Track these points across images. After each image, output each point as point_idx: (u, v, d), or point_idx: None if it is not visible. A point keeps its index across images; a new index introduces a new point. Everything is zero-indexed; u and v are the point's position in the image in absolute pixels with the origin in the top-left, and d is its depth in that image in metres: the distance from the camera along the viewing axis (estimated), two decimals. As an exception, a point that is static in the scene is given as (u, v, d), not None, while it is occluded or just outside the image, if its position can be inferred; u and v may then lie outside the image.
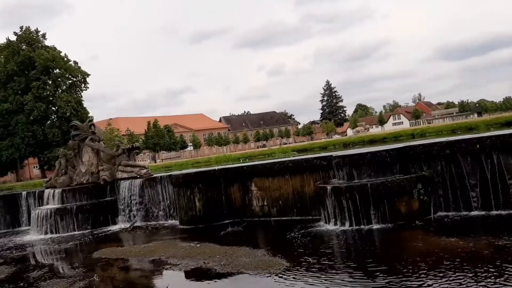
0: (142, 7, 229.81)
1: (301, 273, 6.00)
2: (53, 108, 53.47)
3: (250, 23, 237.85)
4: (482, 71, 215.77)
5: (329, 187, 8.75)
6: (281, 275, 5.98)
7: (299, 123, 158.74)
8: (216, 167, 12.13)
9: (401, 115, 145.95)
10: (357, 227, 8.27)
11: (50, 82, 52.70)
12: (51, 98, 53.09)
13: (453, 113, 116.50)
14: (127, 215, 13.99)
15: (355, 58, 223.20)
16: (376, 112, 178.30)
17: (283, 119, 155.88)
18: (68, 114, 51.62)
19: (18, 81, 52.10)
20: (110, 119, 78.94)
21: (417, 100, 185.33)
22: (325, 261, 6.48)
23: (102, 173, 14.85)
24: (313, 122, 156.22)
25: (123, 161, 14.59)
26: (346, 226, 8.44)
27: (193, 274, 6.77)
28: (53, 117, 54.02)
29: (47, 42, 55.64)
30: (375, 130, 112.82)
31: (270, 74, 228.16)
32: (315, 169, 10.22)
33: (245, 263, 6.80)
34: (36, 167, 72.86)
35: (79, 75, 54.80)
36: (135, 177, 14.12)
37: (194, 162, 28.61)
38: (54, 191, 14.95)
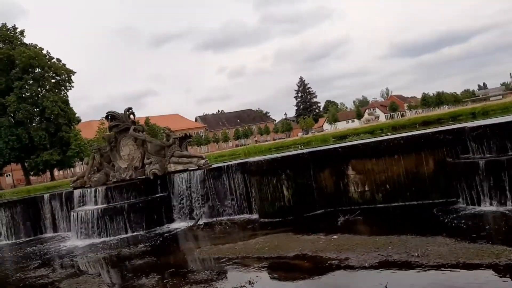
0: (100, 9, 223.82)
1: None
2: (36, 109, 50.30)
3: (211, 26, 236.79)
4: (435, 67, 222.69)
5: (481, 162, 7.54)
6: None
7: (275, 120, 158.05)
8: (304, 150, 10.75)
9: (377, 109, 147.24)
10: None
11: (33, 81, 49.50)
12: (35, 99, 49.96)
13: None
14: (186, 212, 12.45)
15: (315, 57, 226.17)
16: (346, 108, 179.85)
17: (259, 116, 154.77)
18: (55, 115, 48.66)
19: (-2, 82, 48.80)
20: (89, 121, 76.10)
21: (385, 95, 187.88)
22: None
23: (150, 167, 13.22)
24: (286, 119, 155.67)
25: (176, 151, 12.99)
26: (508, 206, 7.25)
27: (398, 268, 5.40)
28: (38, 118, 50.78)
29: (26, 40, 52.45)
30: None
31: (232, 75, 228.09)
32: (437, 145, 8.97)
33: (446, 253, 5.50)
34: (8, 175, 69.30)
35: (64, 73, 51.87)
36: (194, 169, 12.58)
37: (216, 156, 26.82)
38: (95, 189, 13.22)
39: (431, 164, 9.05)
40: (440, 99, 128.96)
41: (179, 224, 12.25)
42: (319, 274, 5.75)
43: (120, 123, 14.05)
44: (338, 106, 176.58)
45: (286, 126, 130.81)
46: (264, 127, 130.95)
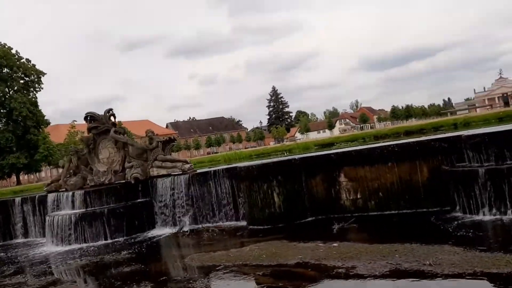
0: (69, 12, 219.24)
1: None
2: (3, 110, 48.36)
3: (183, 33, 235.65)
4: (402, 81, 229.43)
5: (481, 170, 7.49)
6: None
7: (247, 129, 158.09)
8: (296, 156, 10.52)
9: (347, 120, 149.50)
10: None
11: (0, 81, 47.58)
12: (2, 99, 48.02)
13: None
14: (169, 218, 12.01)
15: (286, 68, 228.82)
16: (317, 119, 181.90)
17: (232, 124, 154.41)
18: (23, 117, 46.86)
19: (-39, 81, 46.69)
20: (56, 125, 73.99)
21: (355, 107, 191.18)
22: None
23: (132, 171, 12.72)
24: (257, 128, 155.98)
25: (159, 155, 12.55)
26: (509, 215, 7.21)
27: (412, 277, 5.20)
28: (4, 120, 48.78)
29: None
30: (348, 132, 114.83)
31: (203, 83, 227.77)
32: (432, 153, 8.91)
33: (459, 262, 5.36)
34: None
35: (33, 74, 50.13)
36: (178, 174, 12.17)
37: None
38: (72, 193, 12.61)
39: (426, 172, 8.98)
40: (409, 112, 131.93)
41: (162, 231, 11.80)
42: (328, 283, 5.51)
43: (99, 125, 13.50)
44: (309, 117, 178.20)
45: (258, 134, 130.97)
46: (236, 135, 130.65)
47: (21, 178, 57.68)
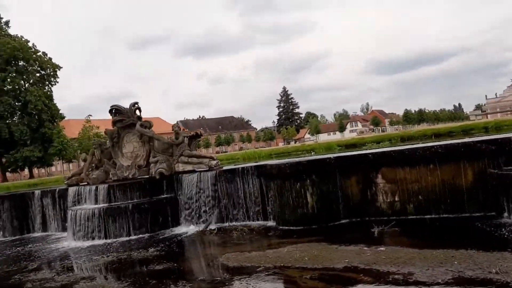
0: (81, 9, 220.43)
1: None
2: (18, 103, 48.41)
3: (194, 31, 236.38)
4: (411, 85, 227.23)
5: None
6: None
7: (256, 129, 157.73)
8: (331, 155, 10.15)
9: (358, 123, 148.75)
10: None
11: (16, 74, 47.62)
12: (18, 92, 48.08)
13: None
14: (195, 215, 11.70)
15: (294, 69, 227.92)
16: (326, 120, 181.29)
17: (241, 124, 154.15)
18: (38, 110, 46.87)
19: (-22, 73, 46.75)
20: (67, 120, 74.04)
21: (365, 110, 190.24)
22: None
23: (156, 166, 12.43)
24: (265, 128, 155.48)
25: (185, 151, 12.25)
26: None
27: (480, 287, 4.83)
28: (19, 113, 48.83)
29: (11, 31, 50.66)
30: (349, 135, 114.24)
31: (212, 82, 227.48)
32: (477, 156, 8.50)
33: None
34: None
35: (50, 68, 50.17)
36: (204, 170, 11.86)
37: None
38: (96, 187, 12.35)
39: (470, 175, 8.57)
40: (421, 116, 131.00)
41: (187, 228, 11.50)
42: (387, 290, 5.15)
43: (125, 118, 13.24)
44: (319, 118, 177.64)
45: (268, 135, 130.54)
46: (246, 135, 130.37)
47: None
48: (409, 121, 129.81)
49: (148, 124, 12.98)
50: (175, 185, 12.23)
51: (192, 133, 12.54)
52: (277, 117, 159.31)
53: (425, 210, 9.01)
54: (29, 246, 12.23)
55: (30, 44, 49.37)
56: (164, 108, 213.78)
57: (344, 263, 6.25)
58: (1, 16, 50.22)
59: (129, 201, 11.79)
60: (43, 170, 68.02)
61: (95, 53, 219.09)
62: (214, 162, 11.94)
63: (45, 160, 50.46)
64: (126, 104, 13.54)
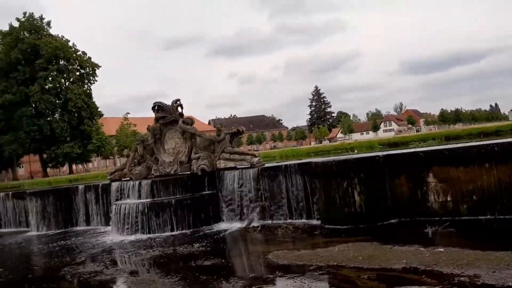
0: (115, 11, 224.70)
1: None
2: (59, 101, 49.80)
3: (224, 32, 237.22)
4: (444, 85, 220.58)
5: None
6: None
7: (287, 128, 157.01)
8: (380, 153, 9.89)
9: (392, 122, 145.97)
10: None
11: (57, 72, 48.98)
12: (59, 90, 49.48)
13: None
14: (236, 212, 11.63)
15: (325, 69, 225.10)
16: (359, 120, 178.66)
17: (272, 123, 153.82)
18: (78, 107, 48.08)
19: (22, 71, 48.21)
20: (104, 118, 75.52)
21: (399, 109, 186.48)
22: None
23: (198, 162, 12.43)
24: (296, 127, 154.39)
25: (227, 147, 12.20)
26: None
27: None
28: (60, 110, 50.23)
29: (52, 31, 52.09)
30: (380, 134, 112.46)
31: (242, 82, 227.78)
32: (539, 155, 8.09)
33: None
34: (21, 166, 68.64)
35: (89, 67, 51.43)
36: (246, 167, 11.77)
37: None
38: (139, 183, 12.44)
39: (530, 175, 8.15)
40: (458, 116, 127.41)
41: (229, 225, 11.44)
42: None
43: (167, 115, 13.31)
44: (351, 118, 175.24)
45: (300, 134, 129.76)
46: (277, 134, 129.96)
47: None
48: (445, 121, 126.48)
49: (190, 121, 12.99)
50: (217, 181, 12.19)
51: (234, 130, 12.47)
52: (309, 116, 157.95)
53: (479, 210, 8.61)
54: (74, 239, 12.45)
55: (70, 44, 50.82)
56: (195, 108, 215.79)
57: (402, 264, 6.02)
58: (43, 16, 51.61)
59: (172, 197, 11.83)
60: (80, 166, 69.67)
61: (129, 54, 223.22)
62: (256, 159, 11.84)
63: (84, 156, 51.75)
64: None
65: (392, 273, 5.74)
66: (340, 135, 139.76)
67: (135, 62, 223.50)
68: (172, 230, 11.40)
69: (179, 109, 13.33)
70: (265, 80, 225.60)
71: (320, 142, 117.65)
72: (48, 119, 49.61)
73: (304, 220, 10.55)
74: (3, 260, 10.93)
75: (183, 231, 11.33)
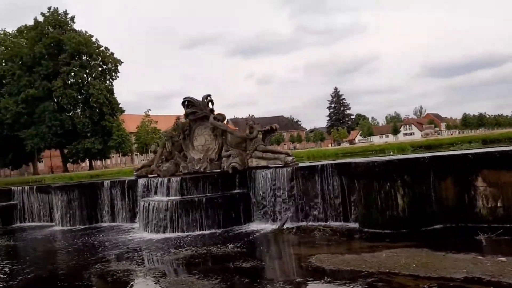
0: (136, 9, 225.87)
1: None
2: (80, 96, 50.03)
3: (244, 32, 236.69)
4: (465, 90, 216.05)
5: None
6: None
7: (306, 129, 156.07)
8: (425, 155, 9.41)
9: (413, 126, 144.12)
10: None
11: (80, 67, 49.25)
12: (81, 85, 49.75)
13: None
14: (269, 213, 11.25)
15: (344, 71, 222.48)
16: (378, 123, 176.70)
17: (291, 123, 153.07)
18: (100, 103, 48.25)
19: (45, 65, 48.57)
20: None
21: (419, 113, 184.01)
22: None
23: (229, 160, 12.10)
24: (315, 129, 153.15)
25: (260, 145, 11.84)
26: None
27: None
28: (81, 105, 50.50)
29: (75, 26, 52.44)
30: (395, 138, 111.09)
31: (259, 82, 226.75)
32: None
33: None
34: (41, 160, 69.22)
35: (111, 62, 51.62)
36: (279, 166, 11.39)
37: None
38: (168, 179, 12.15)
39: None
40: (481, 120, 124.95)
41: (261, 225, 11.06)
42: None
43: (197, 111, 13.00)
44: (369, 120, 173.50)
45: (318, 135, 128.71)
46: (296, 135, 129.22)
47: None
48: (467, 126, 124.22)
49: (221, 117, 12.66)
50: (248, 180, 11.83)
51: (267, 128, 12.10)
52: (327, 118, 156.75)
53: (534, 218, 8.10)
54: (101, 236, 12.18)
55: (93, 39, 51.06)
56: (213, 107, 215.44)
57: (463, 273, 5.57)
58: (67, 12, 51.96)
59: (202, 195, 11.51)
60: (99, 162, 70.10)
61: (148, 52, 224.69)
62: (290, 158, 11.45)
63: (104, 152, 51.92)
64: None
65: (454, 283, 5.30)
66: (359, 137, 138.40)
67: (155, 60, 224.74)
68: (202, 229, 11.08)
69: (210, 104, 13.01)
70: (284, 80, 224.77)
71: (339, 144, 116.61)
72: (70, 114, 49.93)
73: (340, 223, 10.14)
74: (31, 255, 10.74)
75: (213, 230, 11.00)
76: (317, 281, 6.01)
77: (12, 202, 17.64)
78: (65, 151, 52.29)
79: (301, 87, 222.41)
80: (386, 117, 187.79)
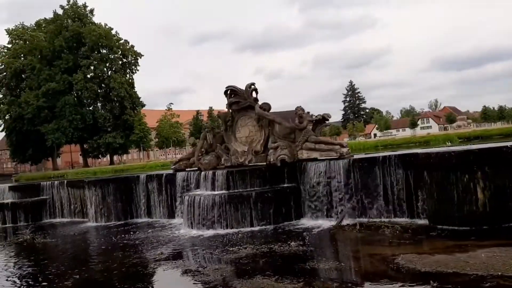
0: (143, 5, 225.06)
1: None
2: (101, 90, 49.59)
3: (253, 27, 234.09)
4: (476, 83, 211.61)
5: None
6: None
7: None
8: (508, 143, 8.59)
9: (430, 119, 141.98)
10: None
11: (100, 61, 48.79)
12: (101, 79, 49.31)
13: None
14: (322, 208, 10.52)
15: (354, 65, 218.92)
16: (393, 117, 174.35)
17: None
18: (121, 97, 47.75)
19: (65, 59, 48.09)
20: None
21: (434, 106, 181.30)
22: None
23: (277, 152, 11.35)
24: (328, 124, 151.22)
25: (311, 136, 11.08)
26: None
27: None
28: (102, 99, 50.06)
29: (95, 19, 52.00)
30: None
31: (268, 77, 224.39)
32: None
33: None
34: (59, 155, 69.08)
35: (132, 55, 51.08)
36: (333, 158, 10.63)
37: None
38: (213, 173, 11.46)
39: None
40: (502, 113, 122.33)
41: (314, 222, 10.38)
42: None
43: (241, 100, 12.28)
44: (384, 114, 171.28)
45: (335, 130, 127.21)
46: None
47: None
48: (488, 119, 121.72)
49: (267, 107, 11.92)
50: (298, 173, 11.11)
51: (318, 117, 11.33)
52: (342, 112, 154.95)
53: None
54: (141, 232, 11.55)
55: (113, 32, 50.55)
56: (221, 102, 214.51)
57: None
58: (87, 4, 51.55)
59: (250, 189, 10.83)
60: (117, 157, 69.85)
61: (157, 48, 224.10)
62: (345, 150, 10.69)
63: (125, 147, 51.43)
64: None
65: None
66: (375, 131, 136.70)
67: (164, 56, 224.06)
68: (251, 225, 10.42)
69: (254, 93, 12.27)
70: (293, 75, 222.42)
71: (354, 138, 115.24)
72: (91, 108, 49.52)
73: (406, 219, 9.36)
74: (74, 254, 10.11)
75: (264, 226, 10.35)
76: (423, 285, 5.26)
77: (41, 197, 17.15)
78: (85, 146, 51.97)
79: (311, 82, 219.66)
80: (401, 111, 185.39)
